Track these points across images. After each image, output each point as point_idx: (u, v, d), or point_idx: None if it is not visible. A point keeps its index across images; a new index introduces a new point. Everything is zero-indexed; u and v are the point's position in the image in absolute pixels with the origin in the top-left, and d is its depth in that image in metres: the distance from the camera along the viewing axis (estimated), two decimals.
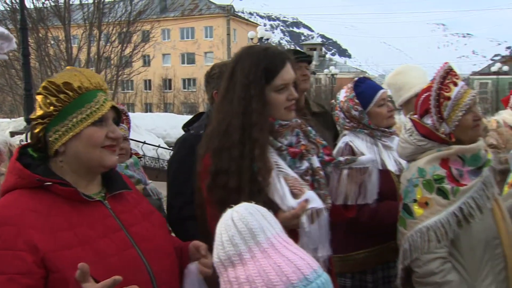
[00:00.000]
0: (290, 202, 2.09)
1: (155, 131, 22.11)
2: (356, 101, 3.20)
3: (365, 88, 3.23)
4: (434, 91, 2.63)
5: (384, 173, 3.02)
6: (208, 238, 1.71)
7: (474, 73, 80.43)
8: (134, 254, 1.87)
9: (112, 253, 1.81)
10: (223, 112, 2.30)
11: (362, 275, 3.16)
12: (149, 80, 58.01)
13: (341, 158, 2.48)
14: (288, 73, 2.30)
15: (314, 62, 71.26)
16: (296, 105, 2.40)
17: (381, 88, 3.26)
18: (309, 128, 2.51)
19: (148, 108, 54.80)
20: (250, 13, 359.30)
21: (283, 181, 2.18)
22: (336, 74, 51.17)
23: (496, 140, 4.92)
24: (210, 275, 1.95)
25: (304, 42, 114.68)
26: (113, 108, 1.96)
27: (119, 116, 2.03)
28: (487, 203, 2.58)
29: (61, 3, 22.43)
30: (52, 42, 22.97)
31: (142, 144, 17.59)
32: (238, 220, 1.54)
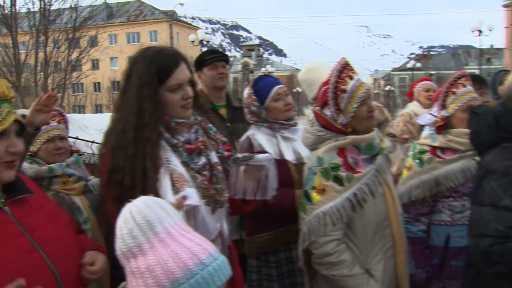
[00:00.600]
0: (169, 198, 2.03)
1: (104, 131, 21.61)
2: (254, 97, 3.25)
3: (262, 85, 3.27)
4: (331, 84, 2.60)
5: (282, 162, 3.05)
6: (110, 233, 1.63)
7: (394, 69, 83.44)
8: (38, 258, 1.75)
9: (13, 259, 1.68)
10: (121, 111, 2.23)
11: (266, 256, 3.18)
12: (99, 83, 57.01)
13: (239, 155, 2.48)
14: (182, 73, 2.23)
15: (252, 62, 72.05)
16: (196, 103, 2.36)
17: (277, 85, 3.26)
18: (210, 125, 2.48)
19: (98, 109, 53.73)
20: (193, 18, 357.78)
21: (167, 177, 2.12)
22: (273, 72, 51.62)
23: (410, 130, 5.00)
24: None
25: (243, 44, 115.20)
26: (17, 120, 1.80)
27: (23, 128, 1.88)
28: (379, 188, 2.60)
29: (7, 11, 21.67)
30: (0, 49, 22.18)
31: (91, 143, 17.19)
32: (136, 214, 1.50)
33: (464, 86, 3.06)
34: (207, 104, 3.84)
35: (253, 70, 52.10)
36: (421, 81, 5.60)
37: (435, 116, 3.17)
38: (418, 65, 56.73)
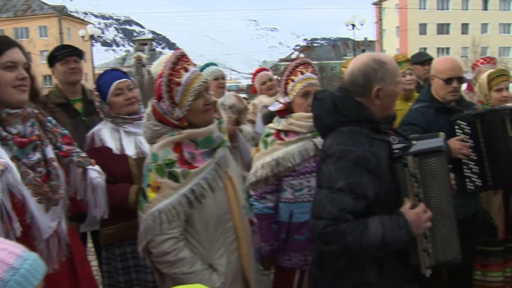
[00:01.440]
0: None
1: None
2: (96, 93, 3.12)
3: (104, 80, 3.14)
4: (165, 77, 2.40)
5: (122, 158, 2.98)
6: None
7: (281, 60, 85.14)
8: None
9: None
10: None
11: (113, 249, 3.08)
12: None
13: (74, 158, 2.34)
14: (15, 53, 2.08)
15: (145, 56, 70.36)
16: (36, 99, 2.23)
17: (119, 79, 3.12)
18: (48, 118, 2.29)
19: None
20: (85, 13, 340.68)
21: None
22: None
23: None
24: None
25: (136, 38, 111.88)
26: None
27: None
28: (219, 182, 2.47)
29: None
30: None
31: None
32: None
33: (302, 73, 3.14)
34: (61, 99, 3.77)
35: (146, 64, 50.90)
36: (258, 72, 5.43)
37: (281, 103, 3.26)
38: (302, 55, 58.75)
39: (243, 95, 5.70)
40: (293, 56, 58.44)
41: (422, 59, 5.93)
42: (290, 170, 3.06)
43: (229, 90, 5.36)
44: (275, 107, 3.36)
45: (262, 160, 3.12)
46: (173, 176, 2.36)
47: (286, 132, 3.13)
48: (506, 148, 3.46)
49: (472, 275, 4.16)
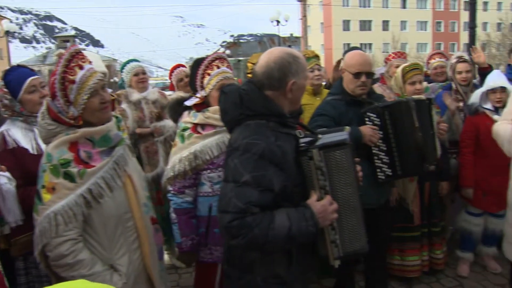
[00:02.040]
0: None
1: None
2: (5, 90, 2.95)
3: (13, 77, 2.98)
4: (58, 75, 2.29)
5: (40, 157, 2.86)
6: None
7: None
8: None
9: None
10: None
11: (32, 257, 2.80)
12: None
13: None
14: None
15: None
16: None
17: (32, 75, 2.98)
18: None
19: None
20: (1, 7, 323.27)
21: None
22: None
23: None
24: None
25: (57, 35, 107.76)
26: None
27: None
28: (118, 180, 2.41)
29: None
30: None
31: None
32: None
33: (218, 67, 3.17)
34: None
35: None
36: (175, 69, 5.33)
37: (197, 97, 3.23)
38: (228, 52, 58.95)
39: (169, 93, 5.57)
40: (220, 51, 58.45)
41: None
42: (208, 163, 3.05)
43: (154, 88, 5.28)
44: (191, 101, 3.31)
45: (180, 154, 3.08)
46: (69, 176, 2.27)
47: (203, 126, 3.11)
48: (413, 138, 3.60)
49: (386, 260, 4.31)
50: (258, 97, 2.23)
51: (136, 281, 2.47)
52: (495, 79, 4.49)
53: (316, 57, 4.94)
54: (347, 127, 2.51)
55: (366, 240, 2.32)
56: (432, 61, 5.58)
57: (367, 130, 3.50)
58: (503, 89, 4.36)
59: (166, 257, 5.17)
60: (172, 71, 5.33)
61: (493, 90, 4.42)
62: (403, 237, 4.49)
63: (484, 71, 5.04)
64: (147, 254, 2.53)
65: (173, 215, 3.11)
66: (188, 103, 3.37)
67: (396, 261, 4.56)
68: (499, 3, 65.05)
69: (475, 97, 4.54)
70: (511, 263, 3.67)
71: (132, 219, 2.47)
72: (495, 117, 4.26)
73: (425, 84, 4.92)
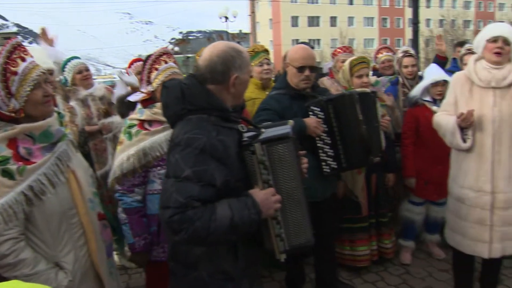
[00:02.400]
0: None
1: None
2: None
3: None
4: None
5: None
6: None
7: None
8: None
9: None
10: None
11: None
12: None
13: None
14: None
15: None
16: None
17: None
18: None
19: None
20: None
21: None
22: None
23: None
24: None
25: None
26: None
27: None
28: (61, 176, 2.37)
29: None
30: None
31: None
32: None
33: (166, 62, 3.12)
34: None
35: None
36: (133, 63, 5.25)
37: (143, 92, 3.16)
38: (177, 49, 58.41)
39: None
40: (169, 48, 58.09)
41: None
42: (158, 160, 2.99)
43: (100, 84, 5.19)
44: (136, 96, 3.24)
45: (127, 151, 3.01)
46: (8, 174, 2.20)
47: (150, 122, 3.05)
48: (357, 131, 3.66)
49: (334, 251, 4.39)
50: (200, 92, 2.20)
51: (83, 278, 2.43)
52: (436, 72, 4.65)
53: (266, 51, 4.95)
54: (291, 121, 2.51)
55: (312, 233, 2.33)
56: (380, 55, 5.71)
57: (311, 121, 3.53)
58: (445, 82, 4.51)
59: (115, 257, 5.07)
60: (130, 65, 5.22)
61: (435, 84, 4.57)
62: (353, 228, 4.58)
63: (442, 60, 5.28)
64: (94, 250, 2.48)
65: (123, 216, 3.04)
66: (131, 98, 3.30)
67: (346, 251, 4.64)
68: (441, 1, 67.41)
69: (417, 90, 4.68)
70: (453, 249, 3.79)
71: (77, 215, 2.42)
72: (434, 108, 4.40)
73: (374, 77, 5.03)
